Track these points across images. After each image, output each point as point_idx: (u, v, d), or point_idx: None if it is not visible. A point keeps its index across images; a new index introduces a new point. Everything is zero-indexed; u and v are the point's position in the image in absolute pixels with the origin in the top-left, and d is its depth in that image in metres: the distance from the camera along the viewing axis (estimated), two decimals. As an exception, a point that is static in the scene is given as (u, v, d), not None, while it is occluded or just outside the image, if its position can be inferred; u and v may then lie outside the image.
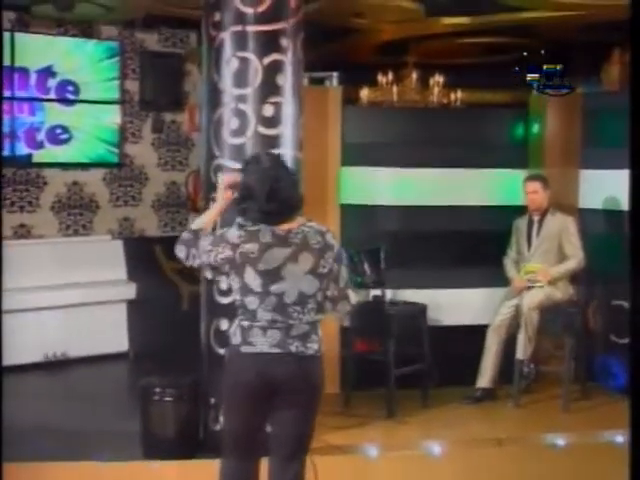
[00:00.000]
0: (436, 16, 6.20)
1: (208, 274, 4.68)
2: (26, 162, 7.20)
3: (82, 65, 7.35)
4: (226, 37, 4.63)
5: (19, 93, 7.07)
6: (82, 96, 7.37)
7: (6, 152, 6.82)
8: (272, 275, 3.16)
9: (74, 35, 7.36)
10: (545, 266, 5.80)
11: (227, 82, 4.65)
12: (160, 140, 7.92)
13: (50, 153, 7.29)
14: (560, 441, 5.05)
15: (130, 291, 7.18)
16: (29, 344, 6.55)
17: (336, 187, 6.01)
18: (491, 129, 6.44)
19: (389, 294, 5.87)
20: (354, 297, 3.36)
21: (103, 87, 7.47)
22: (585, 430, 5.29)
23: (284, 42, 4.65)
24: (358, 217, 6.13)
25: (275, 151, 4.28)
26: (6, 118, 6.83)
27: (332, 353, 5.90)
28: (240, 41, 4.61)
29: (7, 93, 6.80)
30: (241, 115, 4.63)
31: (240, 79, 4.63)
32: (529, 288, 5.79)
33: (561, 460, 4.88)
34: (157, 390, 4.79)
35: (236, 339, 3.26)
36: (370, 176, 6.17)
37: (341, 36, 6.95)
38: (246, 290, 3.19)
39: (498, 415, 5.66)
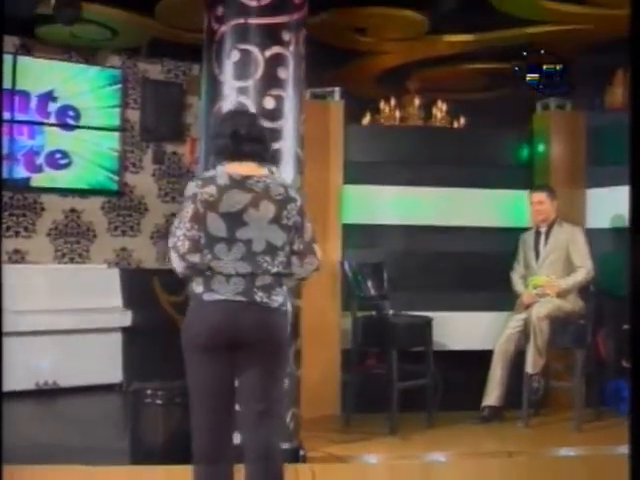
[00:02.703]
0: (440, 33, 6.18)
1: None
2: (24, 185, 7.10)
3: (83, 91, 7.32)
4: (227, 30, 4.60)
5: (19, 116, 7.02)
6: (83, 122, 7.31)
7: (4, 175, 6.71)
8: (235, 219, 3.12)
9: (78, 62, 7.36)
10: (553, 278, 5.64)
11: (228, 74, 4.61)
12: (161, 171, 7.84)
13: (49, 177, 7.20)
14: (571, 453, 4.82)
15: (125, 319, 6.99)
16: (20, 371, 6.33)
17: (338, 206, 5.89)
18: (496, 149, 6.36)
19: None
20: (320, 252, 3.31)
21: (104, 114, 7.42)
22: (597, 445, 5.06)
23: (286, 36, 4.64)
24: (360, 237, 6.00)
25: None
26: (5, 140, 6.75)
27: (333, 374, 5.71)
28: (242, 33, 4.59)
29: (7, 115, 6.74)
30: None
31: (241, 71, 4.59)
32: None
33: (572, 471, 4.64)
34: (148, 393, 4.59)
35: (198, 288, 3.15)
36: (373, 195, 6.06)
37: (343, 62, 6.93)
38: (213, 240, 3.11)
39: (506, 434, 5.40)
